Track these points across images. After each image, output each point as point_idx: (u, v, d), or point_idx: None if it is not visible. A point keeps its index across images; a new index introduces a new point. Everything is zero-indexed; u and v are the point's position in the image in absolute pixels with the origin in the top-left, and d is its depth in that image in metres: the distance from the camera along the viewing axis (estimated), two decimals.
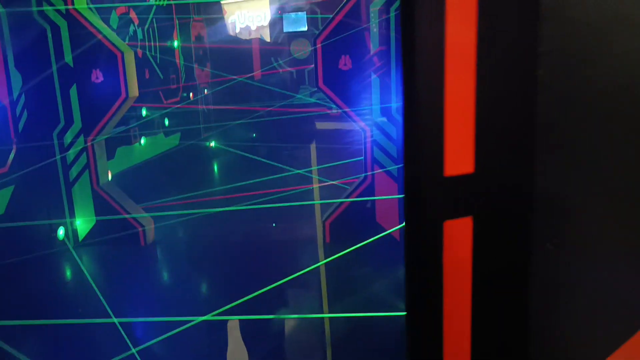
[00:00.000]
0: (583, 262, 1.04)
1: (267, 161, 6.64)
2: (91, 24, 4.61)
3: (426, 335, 0.98)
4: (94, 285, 4.13)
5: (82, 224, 4.94)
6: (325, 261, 4.42)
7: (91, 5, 4.97)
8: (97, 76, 4.61)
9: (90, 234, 4.99)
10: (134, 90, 4.66)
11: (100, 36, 4.56)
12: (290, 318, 3.63)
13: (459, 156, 0.90)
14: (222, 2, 8.85)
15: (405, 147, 0.88)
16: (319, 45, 4.55)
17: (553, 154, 0.96)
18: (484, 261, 0.97)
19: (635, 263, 1.08)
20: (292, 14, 8.73)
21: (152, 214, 5.17)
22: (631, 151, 1.02)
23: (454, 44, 0.87)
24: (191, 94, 7.98)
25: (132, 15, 6.56)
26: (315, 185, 5.88)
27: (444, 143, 0.89)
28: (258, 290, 3.93)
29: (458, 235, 0.94)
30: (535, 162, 0.96)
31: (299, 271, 4.17)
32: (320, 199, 5.41)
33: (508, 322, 1.03)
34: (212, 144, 7.98)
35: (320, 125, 8.30)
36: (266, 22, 9.24)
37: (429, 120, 0.86)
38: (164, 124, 7.28)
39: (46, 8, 4.57)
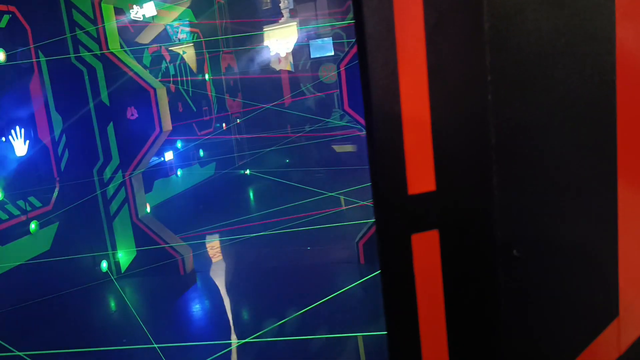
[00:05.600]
0: (547, 267, 1.08)
1: (300, 185, 6.75)
2: (125, 64, 4.83)
3: (405, 344, 1.03)
4: (136, 314, 4.26)
5: (124, 255, 5.11)
6: (360, 281, 4.46)
7: (125, 48, 5.22)
8: (132, 113, 4.82)
9: (132, 265, 5.16)
10: (168, 125, 4.85)
11: (133, 75, 4.78)
12: (327, 338, 3.67)
13: (420, 176, 0.96)
14: (249, 34, 9.10)
15: (371, 170, 0.95)
16: (342, 69, 4.64)
17: (509, 169, 1.02)
18: (454, 269, 1.01)
19: (594, 265, 1.12)
20: (319, 40, 8.90)
21: (190, 243, 5.31)
22: (573, 160, 1.08)
23: (406, 75, 0.93)
24: (224, 124, 8.20)
25: (164, 52, 6.82)
26: (347, 207, 5.94)
27: (406, 165, 0.96)
28: (296, 312, 3.99)
29: (426, 247, 0.99)
30: (493, 177, 1.02)
31: (337, 292, 4.22)
32: (353, 221, 5.46)
33: (481, 326, 1.07)
34: (247, 171, 8.16)
35: (339, 148, 8.39)
36: (293, 50, 9.45)
37: (390, 145, 0.93)
38: (199, 155, 7.49)
39: (83, 53, 4.82)
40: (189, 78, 7.41)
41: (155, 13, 6.19)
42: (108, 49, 4.79)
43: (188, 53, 7.42)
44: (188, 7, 7.63)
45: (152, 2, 5.95)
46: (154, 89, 4.81)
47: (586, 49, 1.05)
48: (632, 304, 1.17)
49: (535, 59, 1.02)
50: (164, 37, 6.84)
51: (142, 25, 6.24)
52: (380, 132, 0.96)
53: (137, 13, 5.94)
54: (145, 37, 6.53)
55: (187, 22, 7.49)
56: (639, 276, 1.13)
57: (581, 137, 1.10)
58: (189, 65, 7.40)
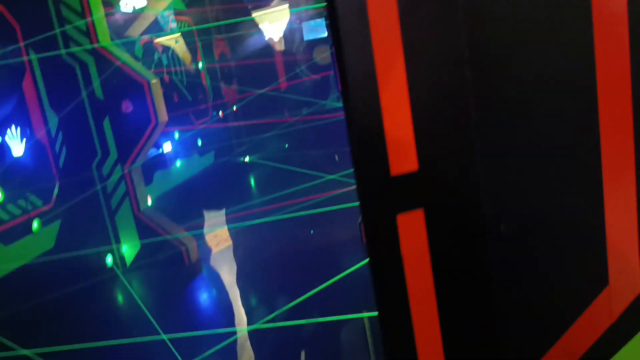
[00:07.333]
0: (536, 240, 1.07)
1: (301, 170, 6.73)
2: (117, 57, 4.80)
3: (397, 325, 1.03)
4: (143, 306, 4.28)
5: (128, 249, 5.12)
6: (365, 261, 4.46)
7: (117, 41, 5.17)
8: (127, 106, 4.80)
9: (137, 258, 5.17)
10: (163, 116, 4.82)
11: (126, 68, 4.75)
12: (334, 320, 3.68)
13: (402, 157, 0.96)
14: (241, 19, 9.01)
15: (352, 154, 0.94)
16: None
17: (491, 144, 1.01)
18: (441, 247, 1.01)
19: (581, 235, 1.11)
20: (311, 22, 8.80)
21: (192, 233, 5.32)
22: (554, 130, 1.08)
23: (382, 57, 0.92)
24: (220, 112, 8.16)
25: (155, 43, 6.76)
26: (350, 189, 5.92)
27: (387, 147, 0.95)
28: (303, 296, 3.99)
29: (412, 226, 0.99)
30: (476, 154, 1.01)
31: (342, 273, 4.23)
32: (354, 202, 5.43)
33: (472, 303, 1.06)
34: (247, 158, 8.13)
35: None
36: (286, 33, 9.36)
37: (370, 129, 0.92)
38: (197, 144, 7.47)
39: (74, 49, 4.78)
40: (183, 68, 7.37)
41: (145, 4, 6.13)
42: (99, 43, 4.76)
43: (180, 42, 7.36)
44: None
45: None
46: (148, 81, 4.78)
47: (559, 20, 1.04)
48: (622, 272, 1.17)
49: (511, 33, 1.01)
50: (155, 27, 6.77)
51: (132, 16, 6.18)
52: (359, 116, 0.95)
53: (126, 4, 5.88)
54: (136, 29, 6.46)
55: (178, 11, 7.42)
56: (627, 244, 1.12)
57: (562, 105, 1.09)
58: (181, 55, 7.35)
